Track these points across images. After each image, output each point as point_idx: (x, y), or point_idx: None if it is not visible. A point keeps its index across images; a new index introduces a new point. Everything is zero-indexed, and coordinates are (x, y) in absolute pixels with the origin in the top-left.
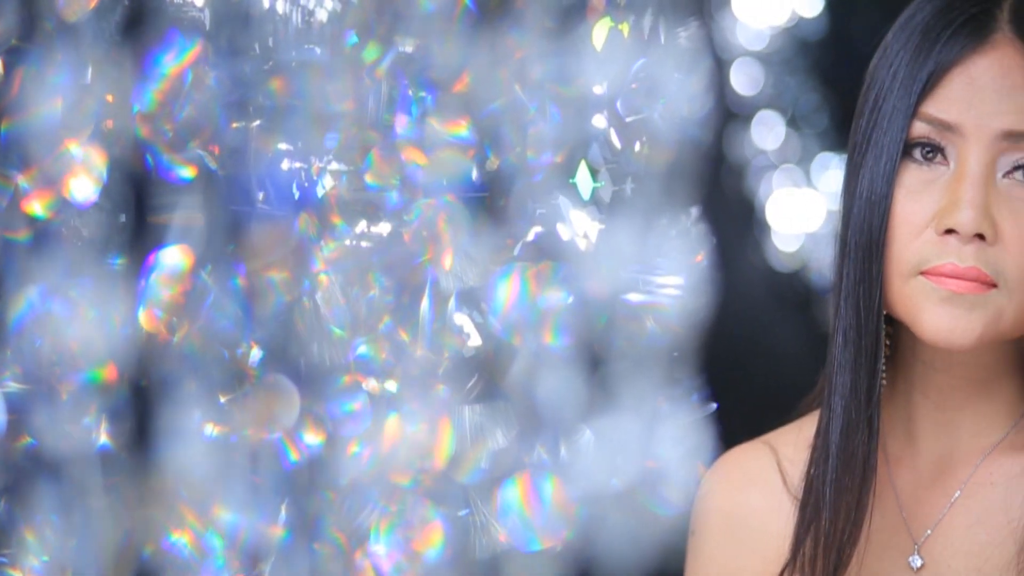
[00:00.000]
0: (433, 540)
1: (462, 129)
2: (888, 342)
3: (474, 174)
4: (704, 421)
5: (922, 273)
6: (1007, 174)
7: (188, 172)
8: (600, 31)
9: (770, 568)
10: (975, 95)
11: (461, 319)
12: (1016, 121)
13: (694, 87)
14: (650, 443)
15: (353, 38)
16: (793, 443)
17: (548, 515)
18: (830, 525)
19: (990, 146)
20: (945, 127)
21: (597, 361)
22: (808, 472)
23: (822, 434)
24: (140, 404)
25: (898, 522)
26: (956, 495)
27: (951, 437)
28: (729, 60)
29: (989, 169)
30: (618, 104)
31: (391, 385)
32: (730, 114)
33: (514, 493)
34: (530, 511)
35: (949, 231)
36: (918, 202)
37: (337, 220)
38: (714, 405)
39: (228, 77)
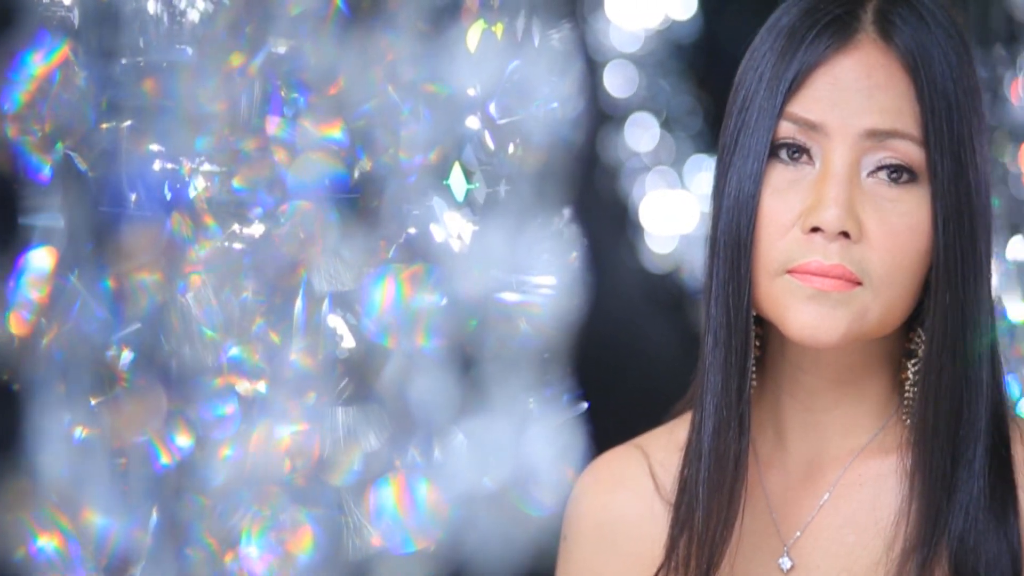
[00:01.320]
0: (305, 543)
1: (335, 131)
2: (758, 343)
3: (353, 175)
4: (576, 421)
5: (788, 272)
6: (871, 173)
7: (57, 173)
8: (473, 33)
9: (643, 572)
10: (839, 95)
11: (334, 321)
12: (879, 120)
13: (567, 89)
14: (522, 444)
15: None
16: (664, 446)
17: (421, 516)
18: (703, 524)
19: (854, 145)
20: (810, 126)
21: (469, 362)
22: (682, 472)
23: (695, 434)
24: (8, 407)
25: (768, 524)
26: (825, 497)
27: (820, 439)
28: (603, 62)
29: (853, 168)
30: (491, 106)
31: (262, 387)
32: (604, 116)
33: (387, 495)
34: (403, 512)
35: (815, 229)
36: (784, 201)
37: (209, 221)
38: (585, 405)
39: (98, 77)
